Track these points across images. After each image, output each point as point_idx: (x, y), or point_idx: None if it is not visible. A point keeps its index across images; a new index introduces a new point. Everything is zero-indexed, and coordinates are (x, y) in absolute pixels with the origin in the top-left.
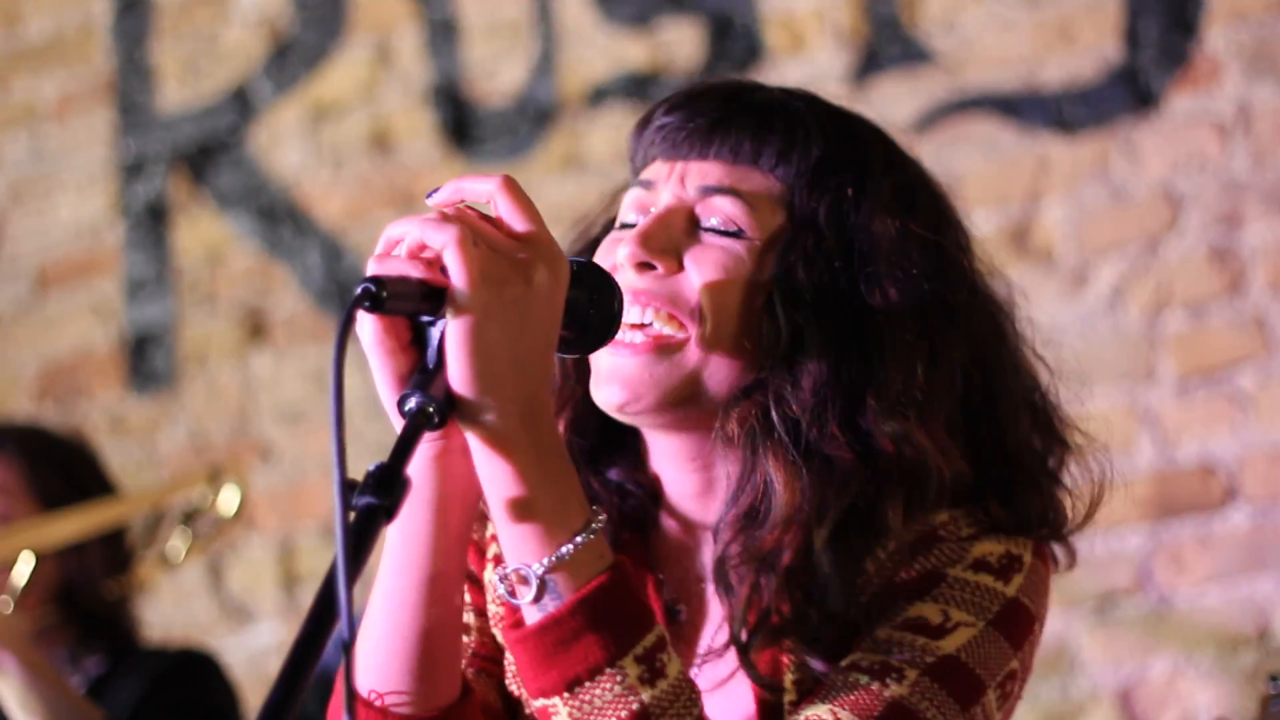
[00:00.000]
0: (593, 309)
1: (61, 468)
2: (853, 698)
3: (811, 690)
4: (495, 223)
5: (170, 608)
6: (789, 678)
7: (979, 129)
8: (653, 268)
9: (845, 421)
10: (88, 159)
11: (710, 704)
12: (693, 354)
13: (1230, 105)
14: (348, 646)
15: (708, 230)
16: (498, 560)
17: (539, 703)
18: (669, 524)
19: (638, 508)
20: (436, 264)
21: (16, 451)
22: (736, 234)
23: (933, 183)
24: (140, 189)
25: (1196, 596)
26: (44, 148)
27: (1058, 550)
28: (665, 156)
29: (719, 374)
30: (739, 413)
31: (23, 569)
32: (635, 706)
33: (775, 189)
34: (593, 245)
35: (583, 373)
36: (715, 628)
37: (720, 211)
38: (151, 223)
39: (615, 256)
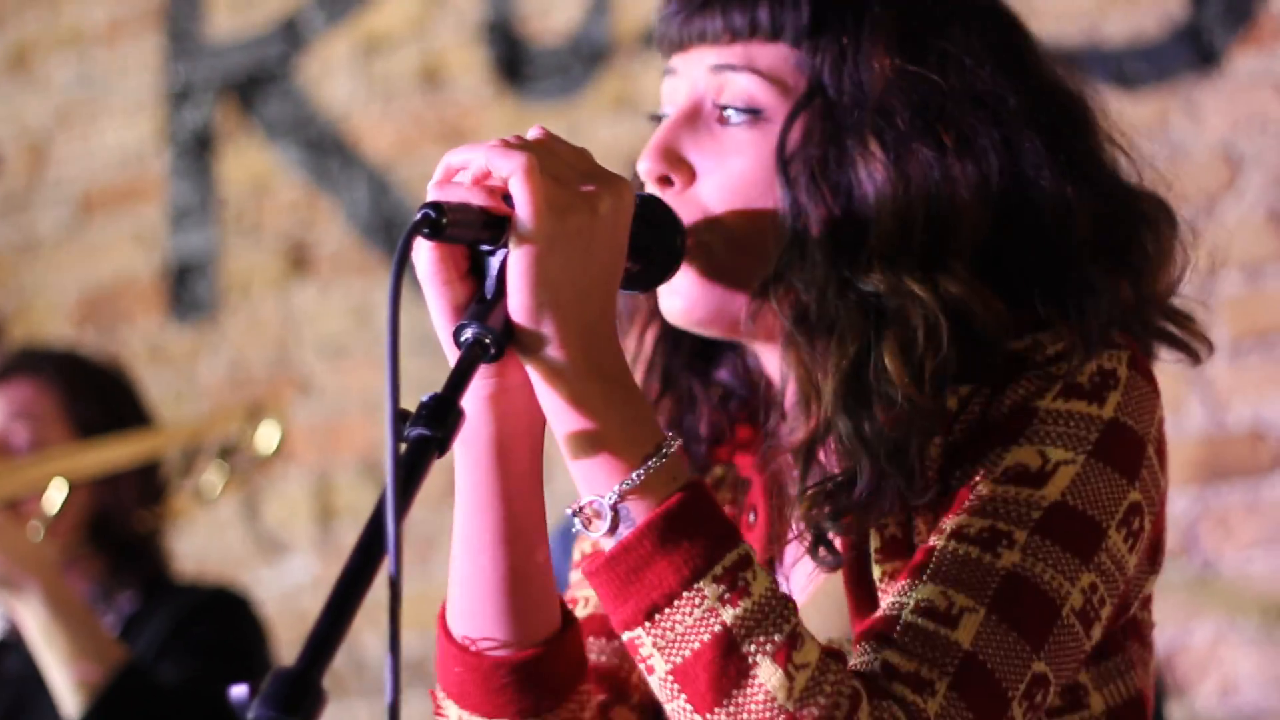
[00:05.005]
0: (655, 243)
1: (99, 396)
2: (964, 575)
3: (902, 551)
4: (560, 151)
5: (205, 540)
6: (875, 536)
7: None
8: (670, 183)
9: (847, 289)
10: (136, 85)
11: (799, 582)
12: (724, 260)
13: None
14: (394, 581)
15: (725, 119)
16: None
17: (625, 636)
18: (773, 417)
19: (746, 403)
20: (498, 192)
21: (54, 377)
22: (752, 118)
23: (968, 9)
24: (187, 117)
25: (1243, 562)
26: (92, 72)
27: (1192, 342)
28: (675, 46)
29: (755, 274)
30: (762, 311)
31: (55, 496)
32: (718, 629)
33: (788, 56)
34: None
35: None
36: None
37: (735, 92)
38: (198, 151)
39: (637, 169)
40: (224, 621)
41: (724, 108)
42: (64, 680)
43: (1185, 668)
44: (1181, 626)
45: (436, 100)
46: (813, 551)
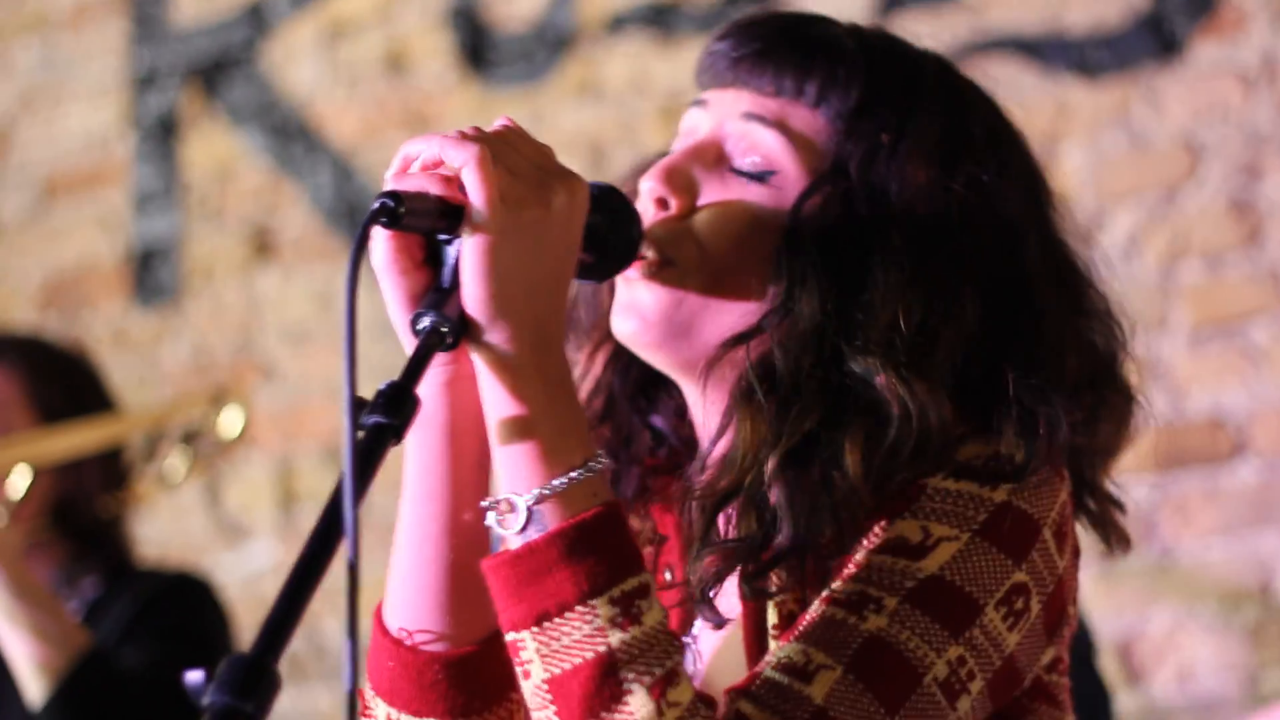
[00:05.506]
0: (611, 234)
1: (63, 381)
2: (827, 634)
3: (796, 616)
4: (518, 145)
5: (167, 525)
6: (772, 604)
7: (1000, 70)
8: (666, 206)
9: (819, 363)
10: (100, 69)
11: (707, 641)
12: (695, 291)
13: (1255, 55)
14: (352, 566)
15: (737, 170)
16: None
17: (509, 637)
18: (694, 474)
19: (672, 454)
20: (455, 182)
21: (18, 362)
22: (764, 176)
23: (1004, 135)
24: (152, 101)
25: (1201, 550)
26: (56, 56)
27: (1111, 534)
28: (715, 84)
29: (722, 317)
30: (729, 358)
31: (19, 482)
32: (602, 649)
33: (823, 129)
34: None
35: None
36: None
37: (757, 145)
38: (162, 136)
39: (640, 185)
40: (186, 607)
41: (743, 157)
42: (27, 666)
43: (1143, 655)
44: (1139, 614)
45: (401, 86)
46: (698, 607)
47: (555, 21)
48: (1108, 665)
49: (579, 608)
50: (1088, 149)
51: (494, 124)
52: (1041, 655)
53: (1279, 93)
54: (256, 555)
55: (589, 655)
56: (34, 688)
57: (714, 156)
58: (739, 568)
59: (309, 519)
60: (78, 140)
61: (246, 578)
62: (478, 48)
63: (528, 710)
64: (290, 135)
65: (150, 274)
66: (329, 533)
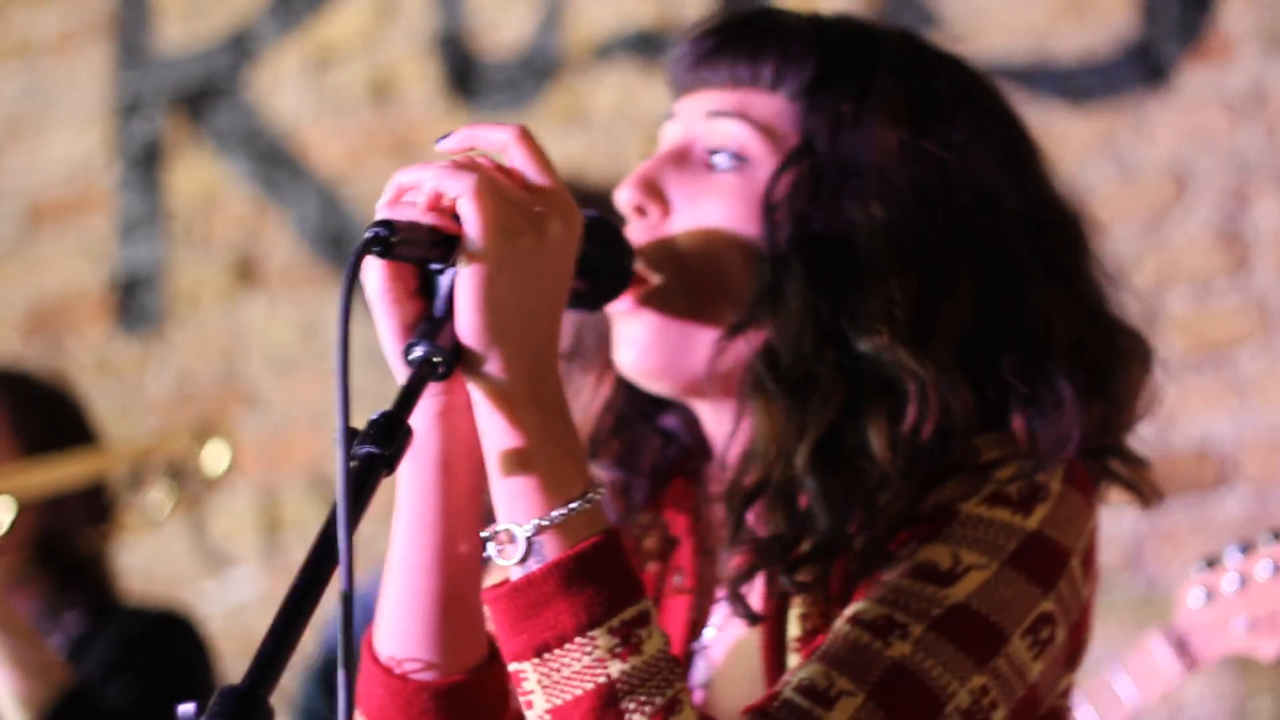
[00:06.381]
0: (604, 263)
1: (47, 414)
2: (851, 659)
3: (819, 631)
4: (509, 173)
5: (150, 554)
6: (795, 615)
7: None
8: (645, 213)
9: (825, 344)
10: (85, 96)
11: (720, 648)
12: (685, 305)
13: (1243, 83)
14: (346, 597)
15: (711, 164)
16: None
17: (511, 667)
18: (713, 475)
19: (684, 454)
20: (448, 211)
21: (1, 395)
22: (738, 164)
23: (973, 91)
24: (136, 128)
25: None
26: (40, 83)
27: (1142, 488)
28: (680, 91)
29: (718, 325)
30: (726, 353)
31: (2, 517)
32: (602, 680)
33: (786, 111)
34: None
35: None
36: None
37: (724, 137)
38: (147, 163)
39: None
40: (170, 645)
41: (712, 152)
42: (8, 700)
43: None
44: (1128, 644)
45: (386, 113)
46: (732, 603)
47: (542, 49)
48: None
49: (578, 639)
50: (1074, 177)
51: (508, 131)
52: (1060, 683)
53: (1267, 120)
54: (241, 584)
55: (589, 686)
56: None
57: (685, 158)
58: (769, 566)
59: (294, 548)
60: (61, 167)
61: (230, 607)
62: (464, 75)
63: None
64: (275, 163)
65: (134, 302)
66: (321, 563)
